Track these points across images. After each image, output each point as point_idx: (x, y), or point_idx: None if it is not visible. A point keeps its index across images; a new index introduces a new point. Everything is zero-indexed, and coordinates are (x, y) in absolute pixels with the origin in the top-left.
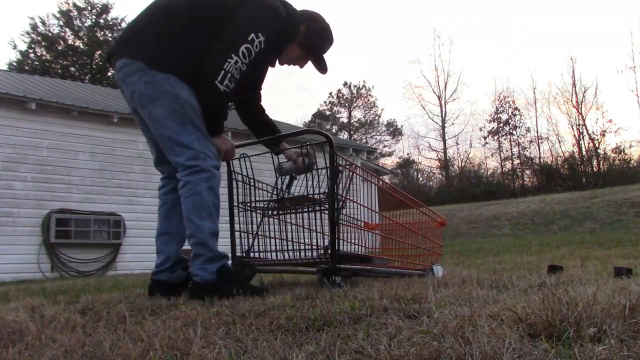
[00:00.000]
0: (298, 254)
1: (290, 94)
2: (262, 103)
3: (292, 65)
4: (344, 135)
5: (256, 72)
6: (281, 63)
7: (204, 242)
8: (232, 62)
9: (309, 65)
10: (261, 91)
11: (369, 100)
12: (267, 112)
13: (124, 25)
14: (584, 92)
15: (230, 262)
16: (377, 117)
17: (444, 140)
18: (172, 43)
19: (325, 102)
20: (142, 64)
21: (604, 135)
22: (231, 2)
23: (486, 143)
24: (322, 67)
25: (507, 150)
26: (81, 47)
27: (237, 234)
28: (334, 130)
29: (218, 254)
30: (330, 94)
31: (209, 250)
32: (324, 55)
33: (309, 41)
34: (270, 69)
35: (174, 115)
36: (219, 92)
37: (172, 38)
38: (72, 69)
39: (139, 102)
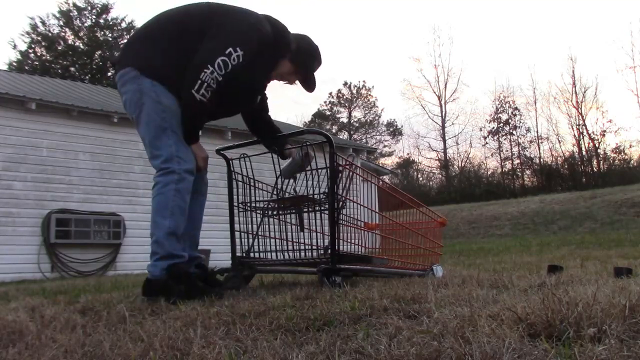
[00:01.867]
0: (298, 254)
1: (288, 91)
2: (269, 113)
3: (281, 81)
4: (344, 135)
5: (242, 85)
6: (271, 78)
7: (160, 240)
8: (208, 72)
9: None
10: (267, 101)
11: (369, 100)
12: (272, 120)
13: (123, 25)
14: (584, 92)
15: (182, 262)
16: (377, 117)
17: (444, 140)
18: (161, 52)
19: (325, 102)
20: (135, 71)
21: (604, 135)
22: (217, 15)
23: (486, 143)
24: (310, 85)
25: (507, 150)
26: (81, 47)
27: (237, 234)
28: (334, 130)
29: (170, 253)
30: (330, 94)
31: (162, 249)
32: (314, 74)
33: (299, 58)
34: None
35: (155, 120)
36: (195, 101)
37: (161, 47)
38: (72, 69)
39: (129, 109)
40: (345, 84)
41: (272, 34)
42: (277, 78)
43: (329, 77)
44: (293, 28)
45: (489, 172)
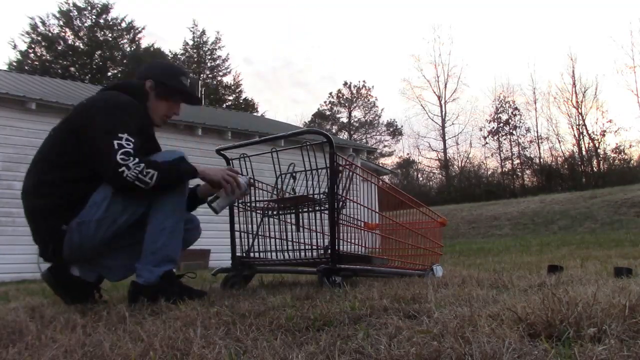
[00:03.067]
0: (298, 254)
1: (286, 89)
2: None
3: (171, 117)
4: (344, 135)
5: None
6: (158, 124)
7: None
8: (127, 172)
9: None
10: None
11: (369, 100)
12: None
13: (123, 25)
14: (584, 92)
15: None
16: (377, 117)
17: (444, 140)
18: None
19: (325, 102)
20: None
21: (604, 135)
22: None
23: (486, 143)
24: (193, 100)
25: (507, 150)
26: (81, 47)
27: (237, 233)
28: (334, 130)
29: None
30: (330, 94)
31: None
32: (190, 89)
33: (163, 88)
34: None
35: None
36: (158, 186)
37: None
38: (72, 69)
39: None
40: (345, 83)
41: (133, 101)
42: (163, 119)
43: (329, 77)
44: (292, 27)
45: (489, 172)
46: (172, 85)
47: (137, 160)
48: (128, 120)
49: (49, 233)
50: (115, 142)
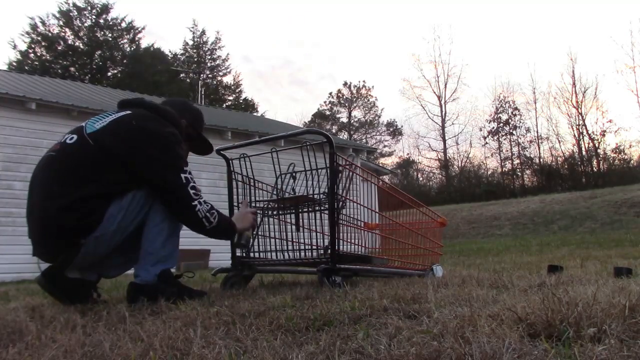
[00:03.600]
0: (298, 254)
1: (286, 87)
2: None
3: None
4: (344, 135)
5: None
6: None
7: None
8: (199, 207)
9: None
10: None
11: (369, 100)
12: None
13: (123, 25)
14: (584, 92)
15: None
16: (377, 117)
17: (444, 140)
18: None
19: (325, 102)
20: None
21: (604, 135)
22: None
23: (486, 143)
24: (207, 146)
25: (507, 150)
26: (81, 47)
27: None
28: (334, 130)
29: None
30: (330, 94)
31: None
32: (205, 139)
33: (192, 131)
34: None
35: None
36: (216, 229)
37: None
38: (72, 69)
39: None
40: (345, 83)
41: (178, 134)
42: None
43: (329, 76)
44: (292, 26)
45: (489, 172)
46: (200, 133)
47: (204, 198)
48: (184, 155)
49: (65, 247)
50: (183, 175)
